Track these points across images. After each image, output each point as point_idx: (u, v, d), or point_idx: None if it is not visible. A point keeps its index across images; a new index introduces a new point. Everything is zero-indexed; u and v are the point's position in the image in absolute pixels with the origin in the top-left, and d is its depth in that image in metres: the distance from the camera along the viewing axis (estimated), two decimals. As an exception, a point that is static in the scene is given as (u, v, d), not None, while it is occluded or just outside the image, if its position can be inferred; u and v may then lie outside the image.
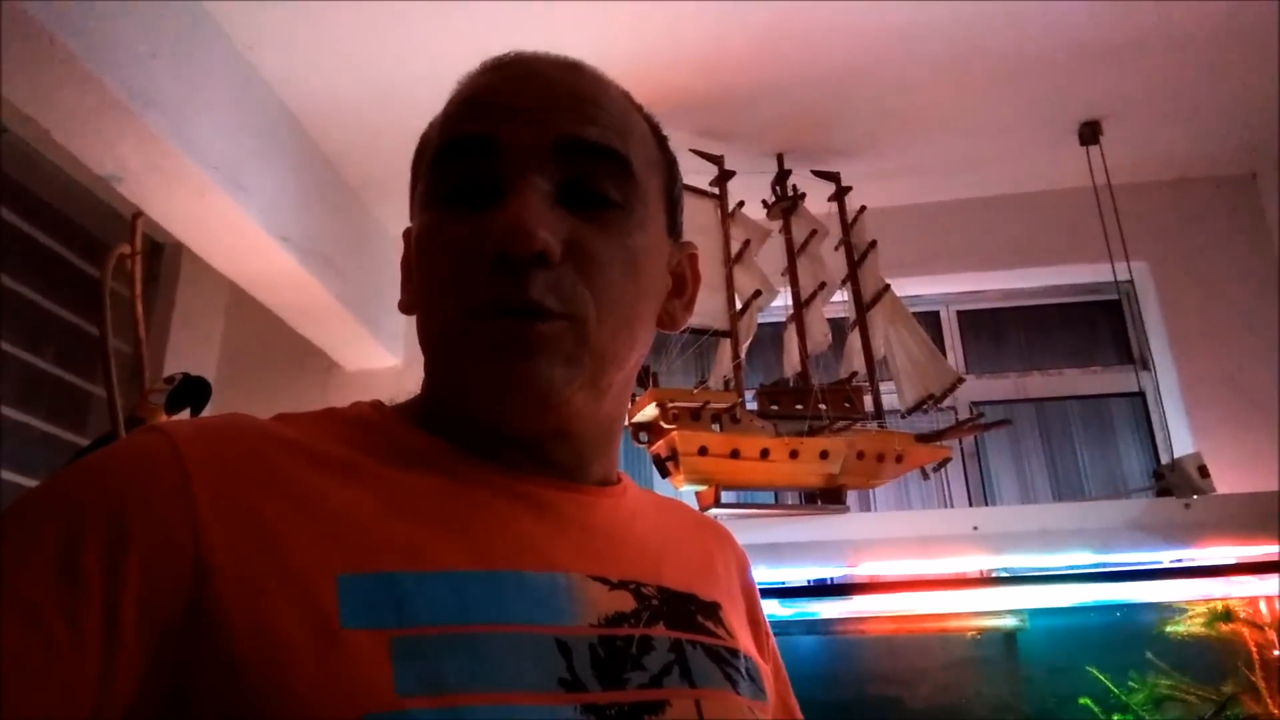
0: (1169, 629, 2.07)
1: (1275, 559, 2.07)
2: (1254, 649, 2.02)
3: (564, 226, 0.53)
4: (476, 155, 0.55)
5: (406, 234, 0.61)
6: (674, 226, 0.63)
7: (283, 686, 0.41)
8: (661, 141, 0.63)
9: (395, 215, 2.99)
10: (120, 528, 0.43)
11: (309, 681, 0.42)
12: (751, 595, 0.68)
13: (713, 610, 0.60)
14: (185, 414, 1.93)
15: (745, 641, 0.61)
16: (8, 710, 0.38)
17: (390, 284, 3.05)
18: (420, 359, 2.58)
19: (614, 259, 0.55)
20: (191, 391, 1.91)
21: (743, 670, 0.57)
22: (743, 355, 2.40)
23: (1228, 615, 2.05)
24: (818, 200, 2.71)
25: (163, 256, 3.01)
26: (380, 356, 2.95)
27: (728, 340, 2.40)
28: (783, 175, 2.71)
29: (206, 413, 2.05)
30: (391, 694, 0.42)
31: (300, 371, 3.00)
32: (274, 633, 0.43)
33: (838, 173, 2.73)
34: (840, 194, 2.73)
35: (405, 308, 0.62)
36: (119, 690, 0.41)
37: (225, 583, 0.43)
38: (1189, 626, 2.06)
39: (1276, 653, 2.03)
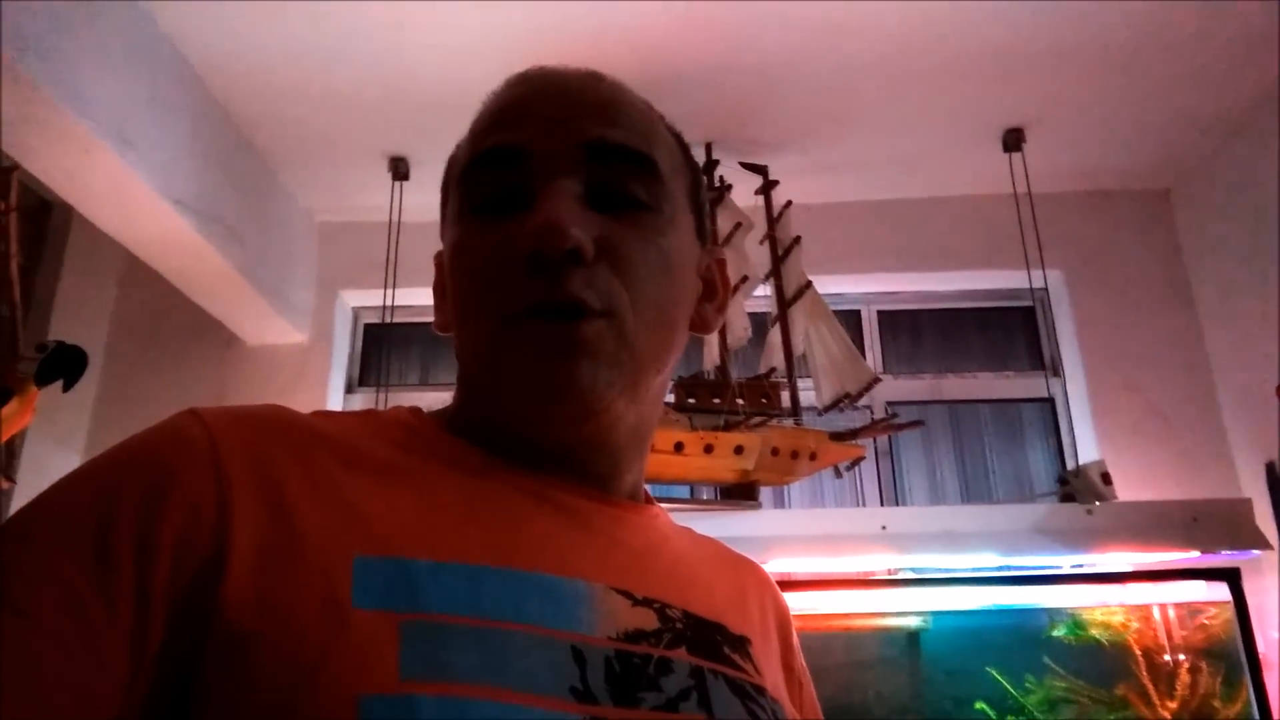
0: (1053, 634, 2.11)
1: (1170, 567, 2.12)
2: (1139, 653, 2.07)
3: (595, 226, 0.53)
4: (505, 165, 0.55)
5: (438, 258, 0.62)
6: (702, 231, 0.64)
7: (288, 661, 0.41)
8: (685, 149, 0.64)
9: (304, 183, 2.86)
10: (152, 504, 0.44)
11: (314, 658, 0.41)
12: (788, 642, 0.66)
13: (741, 644, 0.57)
14: (59, 385, 1.80)
15: (774, 683, 0.59)
16: (48, 684, 0.39)
17: (297, 254, 2.91)
18: (328, 336, 2.43)
19: (646, 258, 0.55)
20: (66, 361, 1.78)
21: (768, 710, 0.54)
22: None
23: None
24: (744, 193, 2.68)
25: (51, 216, 2.82)
26: (285, 332, 2.82)
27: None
28: (710, 165, 2.67)
29: (83, 383, 1.91)
30: (394, 677, 0.41)
31: (198, 344, 2.85)
32: (284, 608, 0.43)
33: (765, 166, 2.71)
34: (767, 187, 2.70)
35: (440, 327, 0.63)
36: (148, 663, 0.42)
37: (242, 559, 0.44)
38: (1070, 631, 2.11)
39: (1166, 657, 2.08)
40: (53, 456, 2.59)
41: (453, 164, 0.61)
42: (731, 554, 0.68)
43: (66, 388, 1.74)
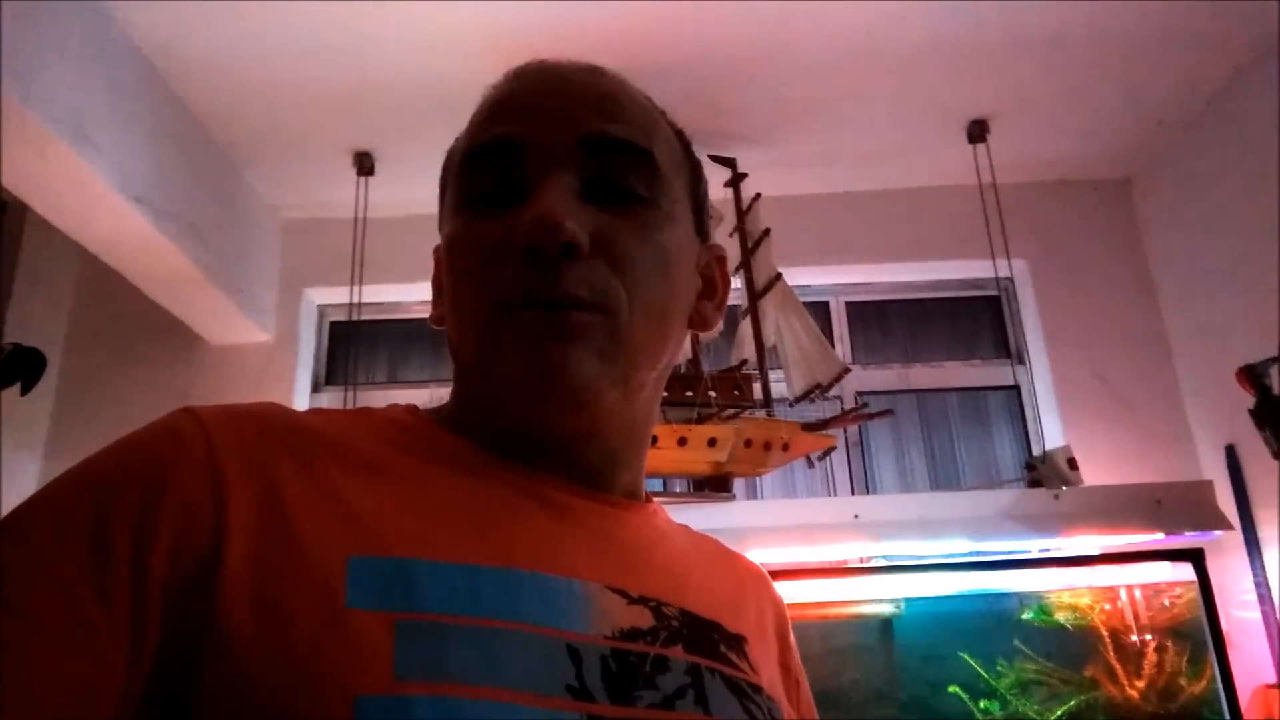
0: (1023, 617, 2.14)
1: (1136, 549, 2.16)
2: (1107, 635, 2.11)
3: (592, 220, 0.53)
4: (502, 159, 0.55)
5: (435, 251, 0.62)
6: (701, 228, 0.63)
7: (282, 662, 0.41)
8: (686, 145, 0.63)
9: (268, 179, 2.81)
10: (149, 503, 0.44)
11: (308, 658, 0.41)
12: (785, 642, 0.66)
13: (737, 642, 0.57)
14: (16, 388, 1.76)
15: (771, 682, 0.59)
16: (46, 684, 0.39)
17: (261, 251, 2.87)
18: (294, 334, 2.40)
19: (643, 253, 0.54)
20: (23, 364, 1.73)
21: (764, 709, 0.54)
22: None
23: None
24: (713, 186, 2.68)
25: (4, 214, 2.75)
26: (249, 331, 2.77)
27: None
28: (678, 158, 2.67)
29: (41, 385, 1.87)
30: (389, 677, 0.41)
31: (160, 345, 2.79)
32: (279, 609, 0.42)
33: (734, 159, 2.71)
34: (736, 180, 2.71)
35: (436, 320, 0.62)
36: (144, 662, 0.41)
37: (238, 559, 0.43)
38: (1040, 614, 2.14)
39: (1134, 637, 2.12)
40: (12, 460, 2.53)
41: (451, 157, 0.61)
42: (730, 553, 0.68)
43: (24, 391, 1.70)
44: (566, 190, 0.53)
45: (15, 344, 1.74)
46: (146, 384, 2.75)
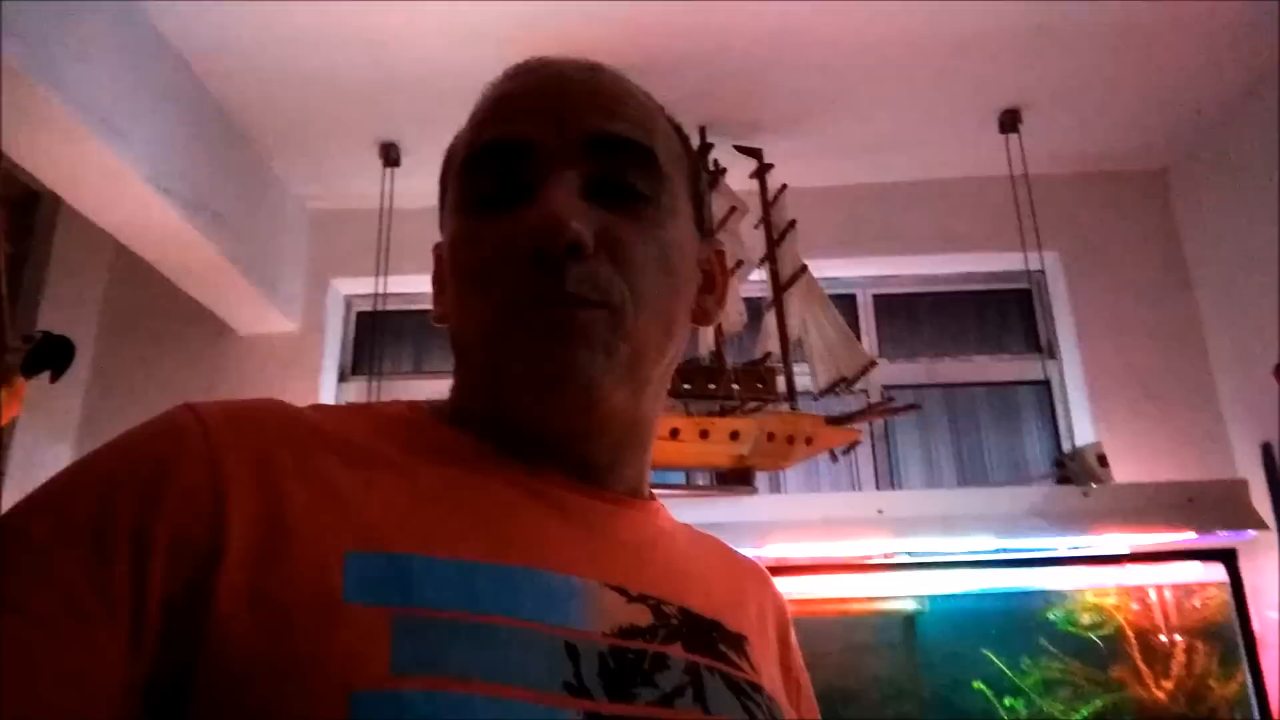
0: (1049, 616, 2.11)
1: (1167, 549, 2.12)
2: (1134, 635, 2.07)
3: (595, 220, 0.53)
4: (506, 158, 0.56)
5: (436, 248, 0.62)
6: (701, 223, 0.64)
7: (279, 657, 0.41)
8: (684, 140, 0.64)
9: (294, 170, 2.84)
10: (149, 500, 0.44)
11: (305, 653, 0.41)
12: (787, 642, 0.66)
13: (738, 642, 0.57)
14: (46, 376, 1.78)
15: (771, 682, 0.59)
16: (46, 680, 0.39)
17: (288, 242, 2.89)
18: (320, 324, 2.41)
19: (646, 250, 0.55)
20: (53, 352, 1.76)
21: (764, 707, 0.54)
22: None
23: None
24: (739, 176, 2.66)
25: (39, 206, 2.79)
26: (277, 321, 2.80)
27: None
28: (705, 149, 2.65)
29: (73, 374, 1.90)
30: (385, 671, 0.41)
31: (190, 334, 2.83)
32: (277, 603, 0.43)
33: (760, 149, 2.69)
34: (762, 171, 2.69)
35: (438, 318, 0.63)
36: (144, 658, 0.42)
37: (237, 555, 0.44)
38: (1066, 613, 2.11)
39: (1162, 638, 2.09)
40: (43, 448, 2.57)
41: (452, 155, 0.61)
42: (731, 552, 0.68)
43: (54, 378, 1.72)
44: (570, 190, 0.53)
45: (45, 332, 1.76)
46: (177, 373, 2.78)
